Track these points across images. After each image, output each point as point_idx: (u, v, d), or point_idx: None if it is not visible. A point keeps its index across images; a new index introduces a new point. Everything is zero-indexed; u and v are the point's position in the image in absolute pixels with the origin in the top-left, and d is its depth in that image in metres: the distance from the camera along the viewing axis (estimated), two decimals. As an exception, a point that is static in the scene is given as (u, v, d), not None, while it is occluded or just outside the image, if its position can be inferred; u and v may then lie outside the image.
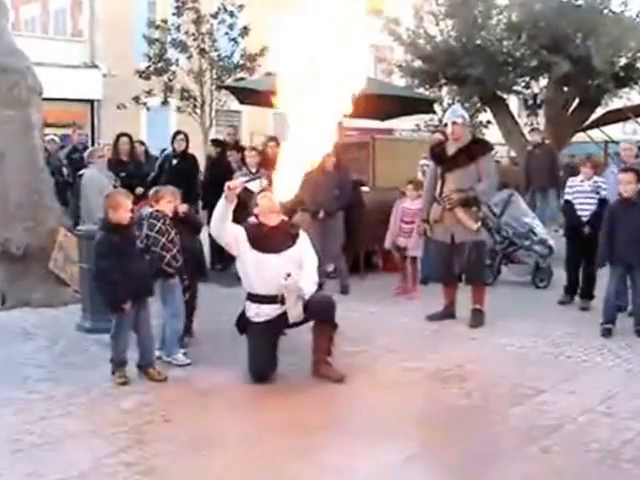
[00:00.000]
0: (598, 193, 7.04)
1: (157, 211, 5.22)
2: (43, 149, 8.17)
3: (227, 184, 4.77)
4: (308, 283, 4.83)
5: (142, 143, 10.56)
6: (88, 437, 3.88)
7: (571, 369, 5.14)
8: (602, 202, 6.93)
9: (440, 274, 6.68)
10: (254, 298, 4.88)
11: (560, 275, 7.97)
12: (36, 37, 21.09)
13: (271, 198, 4.90)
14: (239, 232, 4.86)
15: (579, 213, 7.07)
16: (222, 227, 4.81)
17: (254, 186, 8.42)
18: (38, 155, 7.67)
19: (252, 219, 5.18)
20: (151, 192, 5.42)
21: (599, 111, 13.56)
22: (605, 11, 12.26)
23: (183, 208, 5.57)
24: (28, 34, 21.08)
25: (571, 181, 7.31)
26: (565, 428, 4.04)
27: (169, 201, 5.33)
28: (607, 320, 6.12)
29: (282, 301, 4.78)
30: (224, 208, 4.73)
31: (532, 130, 12.18)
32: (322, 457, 3.71)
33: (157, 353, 5.17)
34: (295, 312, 4.74)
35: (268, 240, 4.83)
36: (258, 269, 4.79)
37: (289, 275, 4.73)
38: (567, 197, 7.25)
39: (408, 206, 7.67)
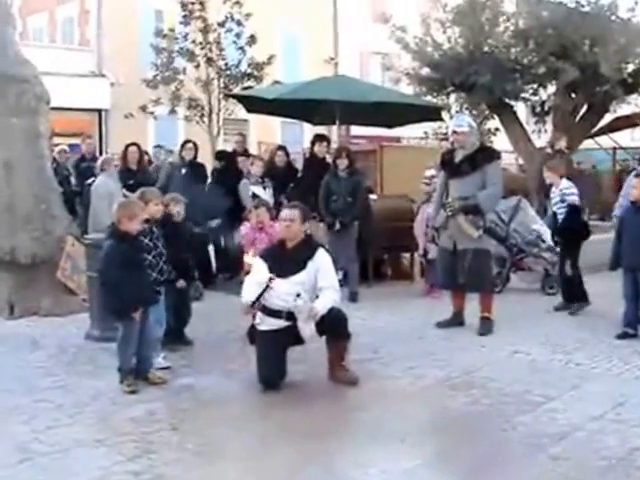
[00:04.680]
0: (564, 201, 7.09)
1: (145, 221, 5.10)
2: (51, 158, 8.20)
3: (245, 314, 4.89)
4: (324, 301, 4.77)
5: (145, 153, 10.59)
6: (96, 446, 3.87)
7: (580, 376, 5.10)
8: (570, 209, 7.04)
9: (444, 280, 6.67)
10: (260, 308, 4.87)
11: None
12: (44, 47, 21.19)
13: (288, 225, 4.88)
14: (262, 269, 4.85)
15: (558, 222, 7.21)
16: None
17: (261, 193, 8.47)
18: (46, 164, 7.70)
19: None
20: (137, 195, 5.38)
21: (607, 117, 13.53)
22: (612, 18, 12.24)
23: None
24: (36, 44, 21.19)
25: (570, 187, 7.34)
26: (574, 435, 4.01)
27: (156, 204, 5.31)
28: (625, 323, 6.15)
29: (287, 317, 4.77)
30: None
31: (556, 136, 12.14)
32: (333, 464, 3.70)
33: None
34: (307, 331, 4.73)
35: (280, 263, 4.82)
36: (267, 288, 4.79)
37: (298, 295, 4.71)
38: (576, 199, 7.27)
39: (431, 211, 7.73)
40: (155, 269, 5.12)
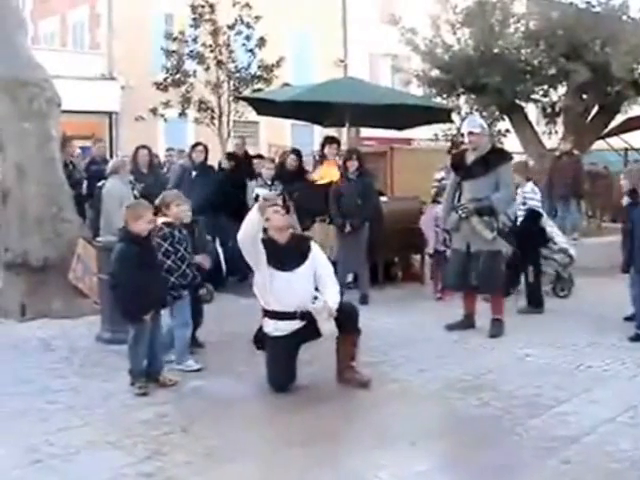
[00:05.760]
0: (525, 204, 7.24)
1: (167, 225, 5.16)
2: (63, 161, 8.23)
3: (263, 195, 4.76)
4: (333, 296, 4.81)
5: (156, 156, 10.63)
6: (107, 448, 3.88)
7: (592, 379, 5.07)
8: (529, 213, 7.18)
9: (456, 282, 6.65)
10: (271, 314, 4.84)
11: (581, 284, 7.90)
12: (55, 50, 21.29)
13: (283, 214, 4.89)
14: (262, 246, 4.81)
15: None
16: (254, 238, 4.69)
17: (265, 195, 8.47)
18: (57, 167, 7.73)
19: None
20: (158, 201, 5.40)
21: (619, 118, 13.46)
22: (624, 18, 12.19)
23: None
24: (47, 48, 21.32)
25: (534, 192, 7.43)
26: (586, 439, 3.99)
27: (178, 204, 5.33)
28: (637, 325, 6.14)
29: (301, 317, 4.76)
30: (257, 219, 4.64)
31: (563, 138, 12.11)
32: (344, 467, 3.69)
33: (166, 358, 5.20)
34: (327, 328, 4.72)
35: (281, 258, 4.79)
36: (271, 286, 4.76)
37: (316, 298, 4.71)
38: (537, 204, 7.39)
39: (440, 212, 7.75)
40: (175, 273, 5.14)
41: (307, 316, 4.73)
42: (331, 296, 4.79)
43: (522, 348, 5.87)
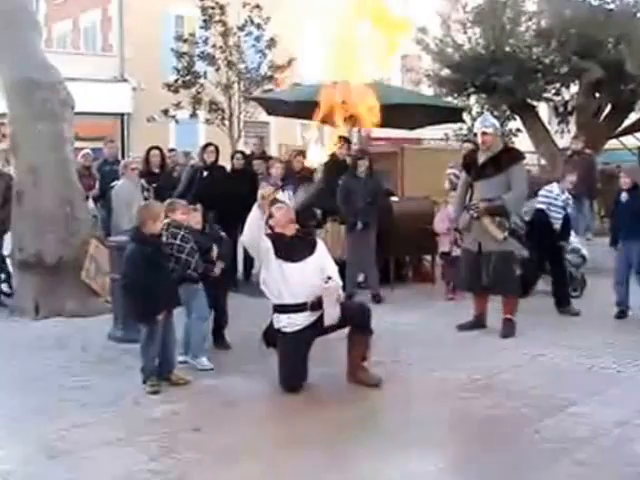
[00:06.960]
0: (565, 209, 7.42)
1: (175, 220, 5.25)
2: (74, 161, 8.28)
3: (260, 193, 4.82)
4: (336, 279, 4.91)
5: (167, 157, 10.64)
6: (119, 445, 3.91)
7: (605, 380, 5.04)
8: (566, 217, 7.41)
9: (467, 283, 6.63)
10: (283, 308, 4.87)
11: (594, 285, 7.85)
12: (68, 53, 21.46)
13: (288, 208, 5.01)
14: (268, 242, 4.88)
15: (554, 225, 7.32)
16: (257, 236, 4.82)
17: (281, 196, 8.47)
18: (70, 167, 7.79)
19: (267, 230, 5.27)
20: (165, 204, 5.46)
21: (632, 117, 13.37)
22: (638, 15, 12.11)
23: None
24: (60, 50, 21.47)
25: (547, 192, 7.46)
26: (599, 440, 3.96)
27: (183, 212, 5.39)
28: None
29: (312, 308, 4.78)
30: (258, 217, 4.76)
31: (575, 137, 12.04)
32: (354, 467, 3.69)
33: (181, 358, 5.25)
34: (334, 314, 4.75)
35: (290, 249, 4.87)
36: (283, 278, 4.81)
37: (329, 278, 4.79)
38: (540, 206, 7.41)
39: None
40: (195, 255, 5.22)
41: (317, 307, 4.76)
42: (335, 278, 4.89)
43: (534, 348, 5.83)
